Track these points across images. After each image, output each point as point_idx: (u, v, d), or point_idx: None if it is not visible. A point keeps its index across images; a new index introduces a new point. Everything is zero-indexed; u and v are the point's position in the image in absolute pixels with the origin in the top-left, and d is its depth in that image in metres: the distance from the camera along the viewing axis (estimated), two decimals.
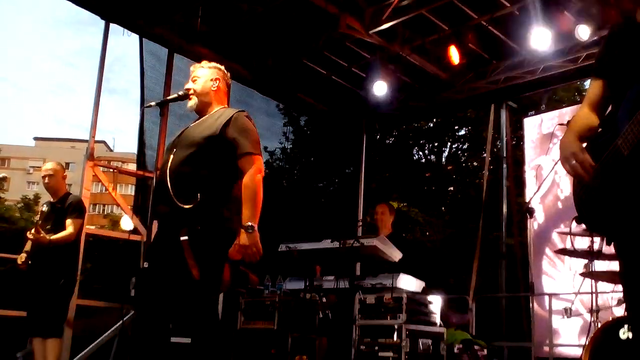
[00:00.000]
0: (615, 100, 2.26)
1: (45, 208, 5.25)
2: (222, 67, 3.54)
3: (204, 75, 3.43)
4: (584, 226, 4.34)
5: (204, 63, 3.53)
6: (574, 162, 2.17)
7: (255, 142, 3.23)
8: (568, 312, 5.04)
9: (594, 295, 4.96)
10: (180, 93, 3.41)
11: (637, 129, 2.06)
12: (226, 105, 3.46)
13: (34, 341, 4.95)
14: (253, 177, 3.11)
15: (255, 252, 3.04)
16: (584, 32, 6.55)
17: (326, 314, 5.51)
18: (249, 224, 3.01)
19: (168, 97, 3.53)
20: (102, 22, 7.01)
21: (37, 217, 5.22)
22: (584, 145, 2.29)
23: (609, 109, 2.35)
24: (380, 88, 8.15)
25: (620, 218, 2.11)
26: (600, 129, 2.31)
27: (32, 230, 4.89)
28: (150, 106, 3.47)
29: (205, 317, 3.07)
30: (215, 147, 3.16)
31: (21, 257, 4.99)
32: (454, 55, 7.24)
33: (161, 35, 7.43)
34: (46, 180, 5.20)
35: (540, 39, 6.72)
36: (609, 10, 6.19)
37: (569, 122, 5.26)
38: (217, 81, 3.43)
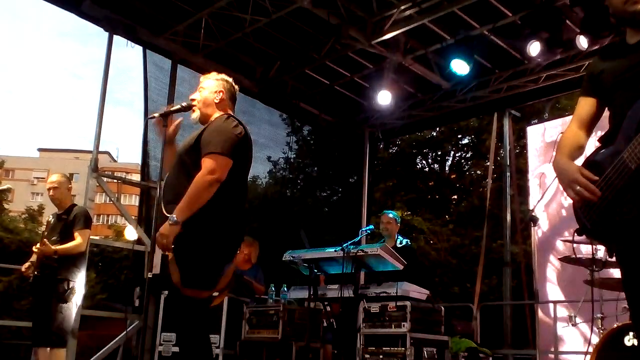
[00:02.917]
0: (613, 118, 2.26)
1: (52, 220, 5.28)
2: (229, 79, 3.53)
3: (209, 86, 3.44)
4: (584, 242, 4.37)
5: (213, 74, 3.53)
6: (577, 187, 2.19)
7: (222, 141, 3.12)
8: (573, 320, 5.03)
9: (599, 302, 4.96)
10: (184, 104, 3.43)
11: None
12: (224, 113, 3.39)
13: (39, 351, 4.95)
14: (202, 175, 3.03)
15: (165, 244, 2.97)
16: (584, 41, 6.59)
17: (330, 322, 5.52)
18: (174, 216, 2.97)
19: (171, 109, 3.51)
20: (106, 34, 7.05)
21: (41, 229, 5.24)
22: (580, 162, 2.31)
23: (604, 127, 2.34)
24: (383, 97, 8.17)
25: (625, 230, 2.11)
26: (599, 145, 2.30)
27: (38, 245, 4.92)
28: (154, 117, 3.48)
29: (186, 321, 3.06)
30: (193, 155, 3.17)
31: (25, 266, 5.00)
32: (459, 66, 7.25)
33: (165, 47, 7.49)
34: (51, 193, 5.23)
35: (539, 50, 6.74)
36: (609, 19, 6.20)
37: None
38: (221, 94, 3.42)
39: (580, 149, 2.38)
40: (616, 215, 2.12)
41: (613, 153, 2.17)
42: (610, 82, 2.28)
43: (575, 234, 2.32)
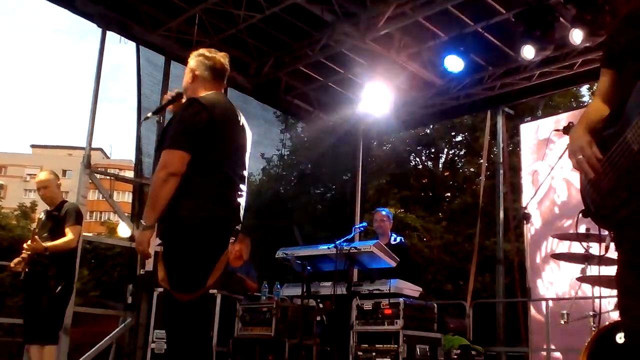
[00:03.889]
0: (624, 90, 2.13)
1: (42, 216, 5.26)
2: (207, 52, 3.31)
3: (186, 70, 3.32)
4: (583, 230, 4.37)
5: (192, 54, 3.35)
6: (580, 156, 2.09)
7: (177, 133, 2.98)
8: (565, 317, 5.04)
9: (591, 300, 4.97)
10: (174, 94, 3.33)
11: None
12: (203, 93, 3.18)
13: (31, 348, 4.93)
14: (156, 173, 2.94)
15: (142, 251, 2.98)
16: (577, 36, 6.57)
17: (322, 319, 5.51)
18: (142, 221, 2.95)
19: (162, 104, 3.45)
20: (100, 30, 7.02)
21: (34, 226, 5.21)
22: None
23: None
24: (376, 95, 8.16)
25: (625, 214, 2.03)
26: (608, 121, 2.19)
27: (29, 242, 4.89)
28: (148, 118, 3.44)
29: (175, 320, 2.99)
30: (161, 148, 3.06)
31: (15, 261, 4.98)
32: (453, 64, 7.24)
33: (158, 43, 7.46)
34: (41, 192, 5.21)
35: (532, 50, 6.75)
36: (602, 16, 6.21)
37: (565, 127, 5.28)
38: (192, 71, 3.26)
39: (604, 121, 2.22)
40: (617, 198, 2.04)
41: (618, 131, 2.07)
42: (620, 53, 2.18)
43: (580, 215, 2.22)
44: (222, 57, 3.32)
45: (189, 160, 2.93)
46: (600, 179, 2.08)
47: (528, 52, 6.76)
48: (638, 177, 2.00)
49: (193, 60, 3.30)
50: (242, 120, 3.30)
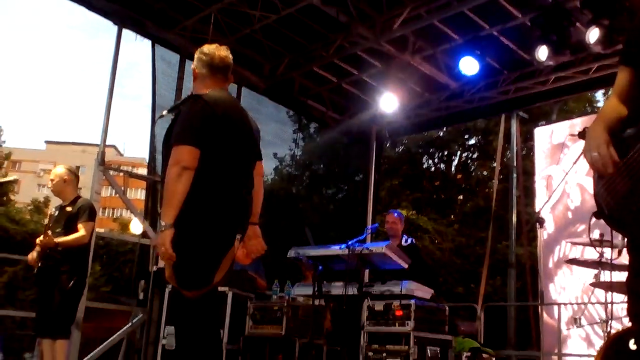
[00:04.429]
0: None
1: (55, 211, 5.29)
2: (203, 48, 3.31)
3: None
4: (597, 236, 4.34)
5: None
6: (595, 154, 2.02)
7: (184, 129, 2.95)
8: (577, 322, 5.02)
9: (604, 305, 4.94)
10: (190, 94, 3.32)
11: None
12: (206, 90, 3.17)
13: (43, 342, 4.97)
14: (168, 170, 2.88)
15: (164, 252, 2.83)
16: (594, 37, 6.47)
17: (334, 318, 5.51)
18: (162, 222, 2.84)
19: (177, 103, 3.47)
20: (115, 28, 7.07)
21: (46, 220, 5.25)
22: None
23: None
24: (390, 96, 8.16)
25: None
26: (626, 121, 2.12)
27: (41, 237, 4.93)
28: (163, 116, 3.45)
29: (183, 318, 3.00)
30: (165, 146, 3.07)
31: (32, 254, 5.02)
32: (468, 67, 7.22)
33: (173, 41, 7.49)
34: (48, 185, 5.28)
35: (547, 54, 6.71)
36: (619, 21, 6.16)
37: (580, 132, 5.26)
38: (194, 70, 3.29)
39: (621, 121, 2.15)
40: (634, 204, 1.97)
41: (637, 133, 2.01)
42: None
43: (593, 218, 2.16)
44: (221, 52, 3.30)
45: (199, 155, 2.92)
46: (616, 182, 2.03)
47: (542, 53, 6.71)
48: None
49: (195, 59, 3.32)
50: (248, 116, 3.29)
